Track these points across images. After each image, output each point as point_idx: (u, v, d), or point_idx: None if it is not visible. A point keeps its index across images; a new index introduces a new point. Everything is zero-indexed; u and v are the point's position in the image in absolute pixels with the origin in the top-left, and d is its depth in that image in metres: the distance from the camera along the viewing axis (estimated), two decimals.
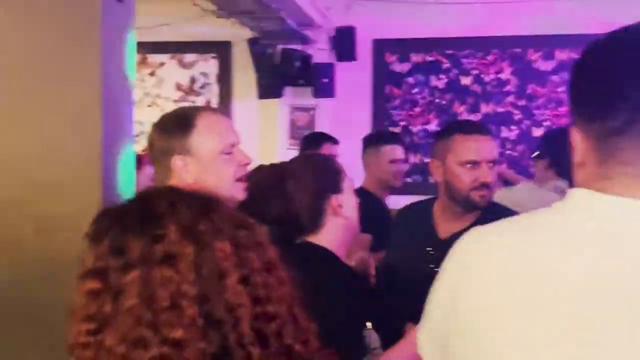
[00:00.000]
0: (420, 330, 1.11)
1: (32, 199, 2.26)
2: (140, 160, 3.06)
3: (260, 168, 2.41)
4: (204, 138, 1.83)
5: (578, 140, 0.92)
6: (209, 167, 1.82)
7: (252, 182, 1.94)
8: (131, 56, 2.51)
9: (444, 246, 2.33)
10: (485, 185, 2.26)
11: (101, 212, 0.96)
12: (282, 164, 2.22)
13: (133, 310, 0.84)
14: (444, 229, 2.37)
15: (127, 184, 2.45)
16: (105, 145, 2.30)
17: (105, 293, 0.87)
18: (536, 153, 3.77)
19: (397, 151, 3.74)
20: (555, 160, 3.52)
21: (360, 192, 2.41)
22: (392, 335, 1.95)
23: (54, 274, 1.96)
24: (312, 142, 4.32)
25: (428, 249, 2.35)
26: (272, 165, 2.28)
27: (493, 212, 2.30)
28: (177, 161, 1.81)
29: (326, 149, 4.08)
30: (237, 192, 1.86)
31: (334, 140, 4.26)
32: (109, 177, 2.33)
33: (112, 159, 2.36)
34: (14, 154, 2.27)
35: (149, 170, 3.11)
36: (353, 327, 1.84)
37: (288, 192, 1.95)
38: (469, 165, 2.25)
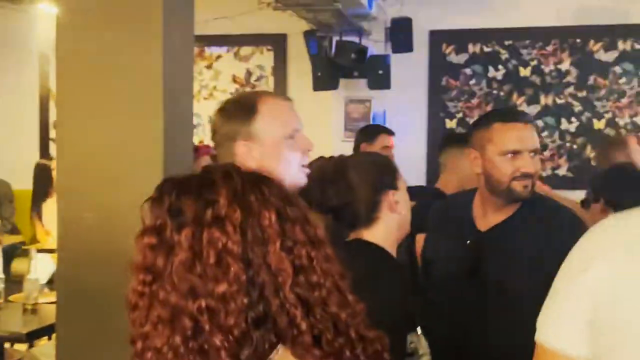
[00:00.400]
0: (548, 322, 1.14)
1: (96, 190, 2.31)
2: (196, 151, 3.11)
3: (321, 159, 2.43)
4: (268, 123, 1.83)
5: None
6: (273, 152, 1.82)
7: (311, 172, 1.95)
8: (190, 48, 2.55)
9: (484, 239, 2.33)
10: (527, 175, 2.19)
11: (165, 179, 1.06)
12: (342, 156, 2.23)
13: (183, 264, 0.94)
14: (483, 221, 2.33)
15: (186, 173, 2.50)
16: (167, 138, 2.34)
17: (160, 248, 0.97)
18: (589, 196, 3.11)
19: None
20: (614, 201, 2.83)
21: None
22: (433, 333, 1.94)
23: (116, 263, 2.00)
24: (368, 133, 4.33)
25: (468, 241, 2.33)
26: (333, 157, 2.30)
27: (534, 204, 2.28)
28: (240, 146, 1.81)
29: (382, 140, 4.08)
30: (300, 178, 1.86)
31: (389, 132, 4.26)
32: (170, 168, 2.37)
33: (173, 150, 2.40)
34: (81, 146, 2.34)
35: (205, 161, 3.14)
36: (400, 330, 1.84)
37: (348, 184, 1.96)
38: (510, 155, 2.18)
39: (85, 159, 2.32)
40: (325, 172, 2.06)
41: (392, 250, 1.98)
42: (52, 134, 7.21)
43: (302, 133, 1.88)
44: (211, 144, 2.16)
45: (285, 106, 1.91)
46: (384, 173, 2.00)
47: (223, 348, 0.91)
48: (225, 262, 0.94)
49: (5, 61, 7.16)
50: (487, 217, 2.32)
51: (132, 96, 2.32)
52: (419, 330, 1.85)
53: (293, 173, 1.84)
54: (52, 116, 7.18)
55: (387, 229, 1.98)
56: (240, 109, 1.87)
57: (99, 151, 2.32)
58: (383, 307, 1.76)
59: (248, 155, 1.81)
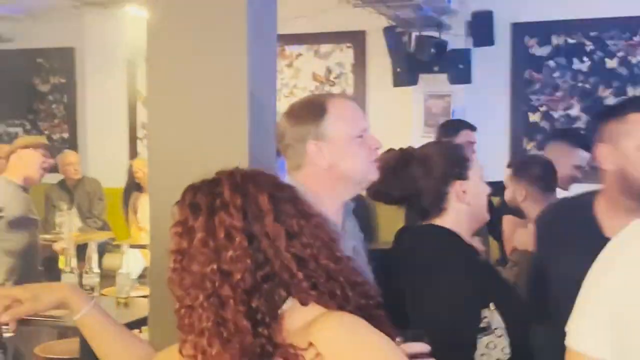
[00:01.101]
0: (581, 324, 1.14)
1: (184, 187, 2.38)
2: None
3: (389, 151, 2.45)
4: (338, 123, 1.86)
5: None
6: (343, 150, 1.85)
7: (379, 163, 1.98)
8: (274, 47, 2.61)
9: None
10: None
11: (188, 186, 1.39)
12: (410, 148, 2.24)
13: (201, 241, 1.26)
14: (611, 226, 2.01)
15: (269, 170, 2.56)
16: (251, 136, 2.40)
17: (184, 234, 1.29)
18: None
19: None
20: None
21: None
22: (517, 321, 1.91)
23: None
24: (450, 128, 4.31)
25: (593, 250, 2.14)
26: (401, 149, 2.32)
27: None
28: (311, 146, 1.85)
29: (464, 136, 4.06)
30: (371, 173, 1.89)
31: (472, 127, 4.22)
32: (254, 165, 2.42)
33: (258, 149, 2.45)
34: (170, 145, 2.42)
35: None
36: (472, 305, 1.86)
37: (412, 175, 1.99)
38: None
39: (174, 157, 2.40)
40: (390, 164, 2.08)
41: (465, 236, 2.00)
42: (140, 134, 7.47)
43: (370, 132, 1.91)
44: None
45: (352, 106, 1.94)
46: (452, 163, 2.00)
47: (231, 297, 1.22)
48: (231, 235, 1.24)
49: (95, 64, 7.44)
50: (617, 221, 2.01)
51: (218, 96, 2.39)
52: (492, 305, 1.86)
53: (363, 169, 1.87)
54: (140, 117, 7.43)
55: (457, 218, 2.00)
56: (309, 111, 1.92)
57: (187, 150, 2.40)
58: (452, 284, 1.90)
59: (319, 154, 1.85)
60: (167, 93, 2.49)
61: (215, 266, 1.24)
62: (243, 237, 1.26)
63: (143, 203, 5.69)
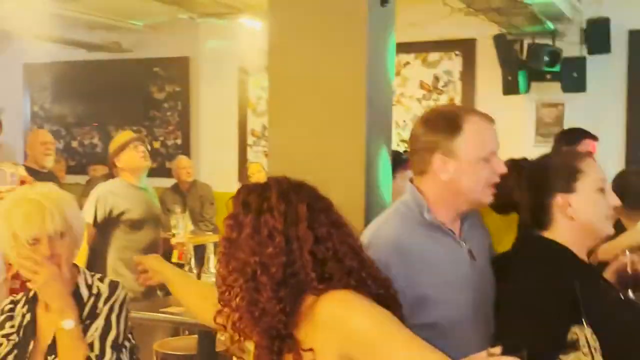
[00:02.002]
0: None
1: None
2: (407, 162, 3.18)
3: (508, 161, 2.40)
4: (469, 142, 1.86)
5: None
6: (467, 170, 1.86)
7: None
8: (391, 57, 2.63)
9: None
10: None
11: (241, 186, 1.65)
12: (521, 159, 2.22)
13: (248, 235, 1.51)
14: None
15: (385, 180, 2.58)
16: (368, 143, 2.43)
17: (235, 226, 1.55)
18: None
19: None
20: None
21: None
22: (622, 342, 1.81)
23: None
24: (571, 137, 4.17)
25: None
26: (512, 160, 2.26)
27: None
28: (437, 159, 1.86)
29: (585, 145, 3.92)
30: (486, 197, 1.89)
31: (593, 137, 4.06)
32: (371, 172, 2.46)
33: (374, 156, 2.48)
34: (290, 151, 2.49)
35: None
36: (557, 320, 1.78)
37: (508, 186, 1.94)
38: None
39: (294, 162, 2.46)
40: None
41: (578, 253, 1.92)
42: (250, 140, 7.64)
43: (497, 156, 1.90)
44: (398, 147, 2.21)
45: (488, 128, 1.93)
46: (554, 175, 1.93)
47: (268, 284, 1.47)
48: (273, 235, 1.50)
49: (208, 73, 7.70)
50: None
51: (337, 105, 2.43)
52: (584, 322, 1.78)
53: (480, 192, 1.87)
54: (250, 124, 7.60)
55: (564, 233, 1.93)
56: (444, 123, 1.91)
57: (306, 155, 2.46)
58: (537, 296, 1.83)
59: (443, 168, 1.85)
60: (286, 100, 2.56)
61: (257, 258, 1.51)
62: (282, 238, 1.52)
63: None
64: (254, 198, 1.59)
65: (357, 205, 2.39)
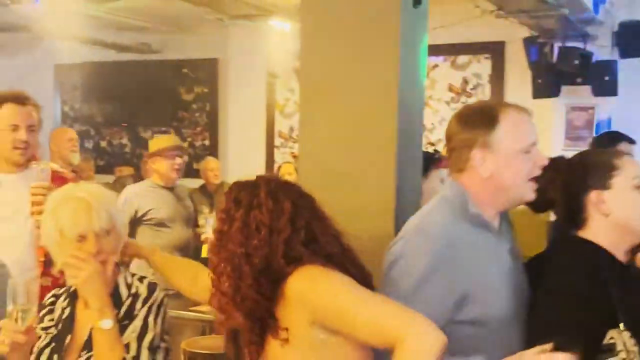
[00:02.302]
0: None
1: (333, 191, 2.43)
2: (440, 161, 3.17)
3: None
4: (507, 135, 1.84)
5: None
6: (507, 164, 1.84)
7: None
8: (423, 59, 2.62)
9: None
10: None
11: (233, 182, 1.82)
12: (558, 157, 2.16)
13: (238, 229, 1.70)
14: None
15: (416, 182, 2.58)
16: (399, 145, 2.43)
17: (227, 220, 1.73)
18: None
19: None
20: None
21: None
22: None
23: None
24: (607, 141, 4.10)
25: None
26: (549, 158, 2.23)
27: None
28: (476, 154, 1.84)
29: (622, 149, 3.86)
30: (528, 192, 1.87)
31: (631, 140, 3.98)
32: (401, 172, 2.45)
33: (404, 157, 2.48)
34: (320, 150, 2.49)
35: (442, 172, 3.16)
36: (594, 323, 1.75)
37: (544, 183, 1.90)
38: None
39: (324, 162, 2.46)
40: None
41: (613, 250, 1.89)
42: (277, 142, 7.70)
43: (537, 148, 1.88)
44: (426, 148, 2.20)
45: (525, 120, 1.91)
46: (589, 172, 1.90)
47: (250, 273, 1.66)
48: (259, 228, 1.69)
49: (236, 75, 7.77)
50: None
51: (368, 107, 2.43)
52: (621, 326, 1.74)
53: (521, 186, 1.85)
54: (277, 126, 7.66)
55: (599, 231, 1.90)
56: (481, 118, 1.89)
57: (336, 155, 2.46)
58: (573, 298, 1.79)
59: (482, 163, 1.84)
60: (317, 100, 2.56)
61: (243, 250, 1.70)
62: (266, 230, 1.71)
63: None
64: (245, 195, 1.78)
65: (387, 207, 2.38)
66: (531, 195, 1.86)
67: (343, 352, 1.71)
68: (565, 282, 1.88)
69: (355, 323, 1.61)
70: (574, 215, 1.92)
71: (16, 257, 2.69)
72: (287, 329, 1.71)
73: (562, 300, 1.83)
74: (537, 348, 1.37)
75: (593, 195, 1.87)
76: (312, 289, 1.69)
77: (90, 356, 1.99)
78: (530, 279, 1.99)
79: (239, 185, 1.84)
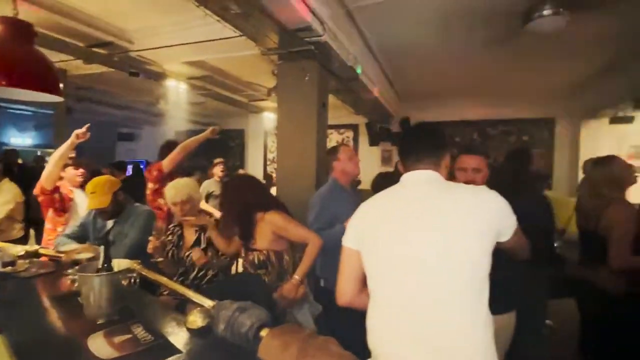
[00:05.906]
0: None
1: (291, 182, 4.53)
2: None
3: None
4: (344, 157, 3.41)
5: None
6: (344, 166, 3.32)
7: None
8: (324, 129, 4.43)
9: None
10: None
11: (229, 179, 3.75)
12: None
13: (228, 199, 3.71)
14: None
15: (321, 177, 4.38)
16: (317, 162, 4.39)
17: (226, 201, 3.70)
18: None
19: None
20: None
21: None
22: None
23: None
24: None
25: None
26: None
27: None
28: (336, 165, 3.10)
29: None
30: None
31: None
32: (318, 174, 4.40)
33: (319, 167, 4.42)
34: (286, 163, 4.55)
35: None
36: None
37: None
38: None
39: (287, 170, 4.67)
40: None
41: None
42: (268, 161, 11.93)
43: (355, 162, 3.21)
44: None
45: (353, 154, 3.31)
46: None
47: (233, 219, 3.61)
48: (233, 202, 3.58)
49: (253, 135, 11.79)
50: None
51: (305, 146, 4.51)
52: None
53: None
54: (268, 154, 11.85)
55: None
56: (333, 150, 3.40)
57: (293, 167, 4.64)
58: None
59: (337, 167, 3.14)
60: (285, 145, 4.79)
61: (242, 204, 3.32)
62: (239, 203, 3.35)
63: None
64: (234, 184, 3.29)
65: (311, 185, 4.65)
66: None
67: (282, 240, 3.26)
68: None
69: (289, 234, 3.16)
70: None
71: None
72: (260, 250, 2.99)
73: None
74: None
75: None
76: (275, 219, 3.06)
77: (190, 253, 3.59)
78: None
79: (234, 179, 3.30)
